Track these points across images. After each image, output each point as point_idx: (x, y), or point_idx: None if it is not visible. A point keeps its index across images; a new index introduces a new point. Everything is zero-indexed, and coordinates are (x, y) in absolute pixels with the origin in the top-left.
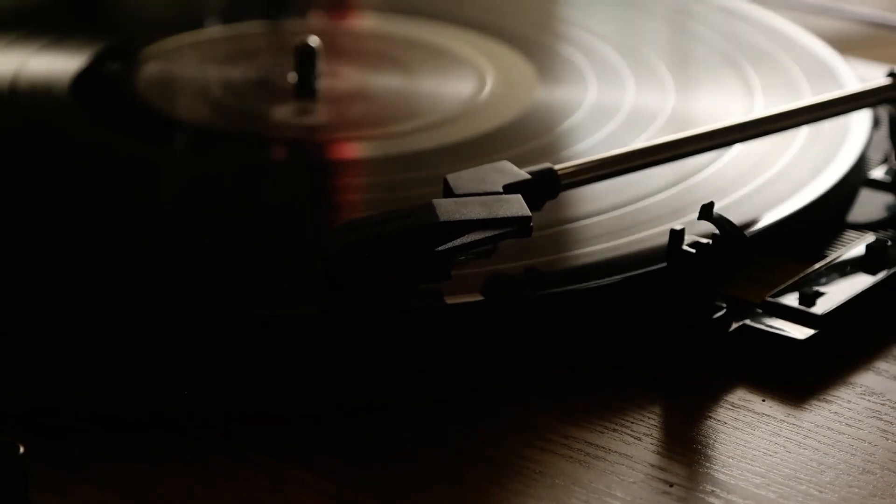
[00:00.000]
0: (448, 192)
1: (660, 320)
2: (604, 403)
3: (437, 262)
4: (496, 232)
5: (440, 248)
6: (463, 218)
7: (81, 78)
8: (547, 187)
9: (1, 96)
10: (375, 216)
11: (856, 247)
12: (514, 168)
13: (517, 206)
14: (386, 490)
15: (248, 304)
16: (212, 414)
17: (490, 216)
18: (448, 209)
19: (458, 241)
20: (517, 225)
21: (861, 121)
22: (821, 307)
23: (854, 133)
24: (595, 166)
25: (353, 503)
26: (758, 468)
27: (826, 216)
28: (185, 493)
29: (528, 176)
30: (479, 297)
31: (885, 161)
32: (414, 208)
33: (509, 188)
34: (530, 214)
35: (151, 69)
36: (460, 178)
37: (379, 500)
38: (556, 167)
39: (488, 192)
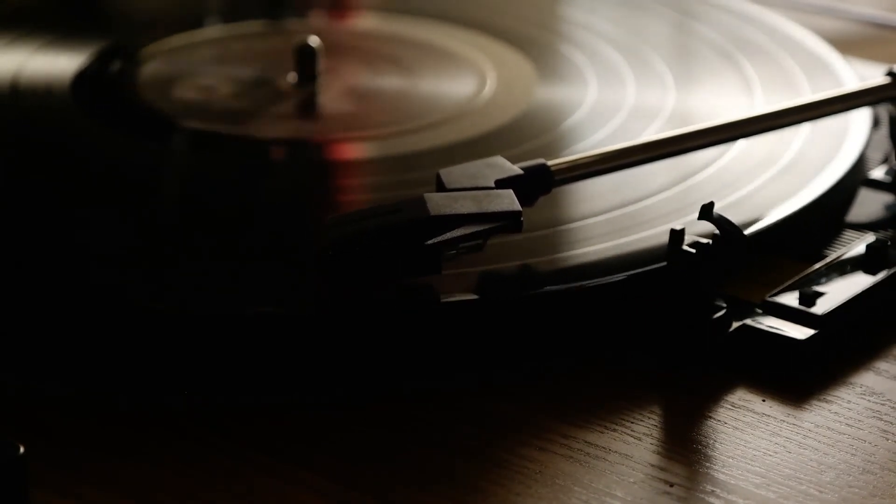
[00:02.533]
0: (440, 186)
1: (660, 320)
2: (604, 403)
3: (427, 256)
4: (487, 226)
5: (430, 241)
6: (453, 212)
7: (81, 77)
8: (540, 183)
9: (1, 96)
10: (367, 210)
11: (856, 247)
12: (507, 163)
13: (508, 200)
14: (385, 490)
15: (247, 303)
16: (212, 414)
17: (480, 211)
18: (439, 203)
19: (447, 235)
20: (508, 220)
21: (861, 120)
22: (821, 307)
23: (854, 133)
24: (589, 162)
25: (353, 503)
26: (758, 468)
27: (826, 216)
28: (185, 493)
29: (521, 171)
30: (478, 297)
31: (885, 161)
32: (405, 202)
33: (501, 183)
34: (521, 209)
35: (151, 69)
36: (452, 173)
37: (378, 500)
38: (550, 163)
39: (480, 186)
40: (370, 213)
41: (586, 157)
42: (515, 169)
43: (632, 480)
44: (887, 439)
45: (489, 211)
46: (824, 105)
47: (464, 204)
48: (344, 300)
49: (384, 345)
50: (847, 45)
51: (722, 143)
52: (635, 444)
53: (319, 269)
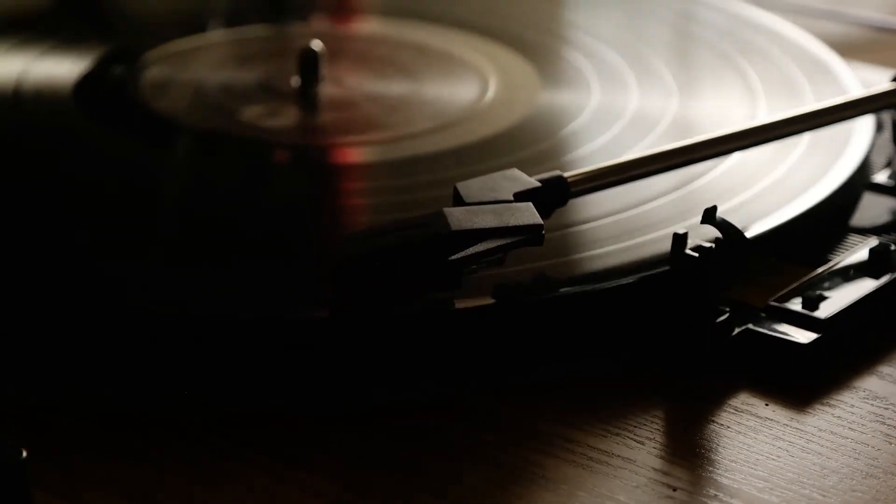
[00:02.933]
0: (458, 200)
1: (663, 324)
2: (607, 407)
3: (449, 271)
4: (509, 240)
5: (453, 257)
6: (475, 227)
7: (84, 82)
8: (556, 195)
9: (4, 100)
10: (387, 225)
11: (859, 251)
12: (524, 176)
13: (528, 214)
14: (387, 493)
15: (247, 304)
16: (212, 414)
17: (502, 225)
18: (459, 218)
19: (471, 251)
20: (529, 233)
21: (864, 125)
22: (824, 311)
23: (857, 137)
24: (604, 173)
25: None
26: (761, 472)
27: (829, 220)
28: (185, 493)
29: (538, 184)
30: (484, 302)
31: (888, 165)
32: (425, 217)
33: (519, 196)
34: (542, 223)
35: (154, 73)
36: (470, 187)
37: (379, 501)
38: (566, 175)
39: (499, 200)
40: (389, 229)
41: (602, 169)
42: (533, 181)
43: (635, 485)
44: (890, 443)
45: (511, 225)
46: (828, 113)
47: (484, 218)
48: (355, 309)
49: (389, 349)
50: (850, 50)
51: (732, 153)
52: (638, 448)
53: (337, 285)
